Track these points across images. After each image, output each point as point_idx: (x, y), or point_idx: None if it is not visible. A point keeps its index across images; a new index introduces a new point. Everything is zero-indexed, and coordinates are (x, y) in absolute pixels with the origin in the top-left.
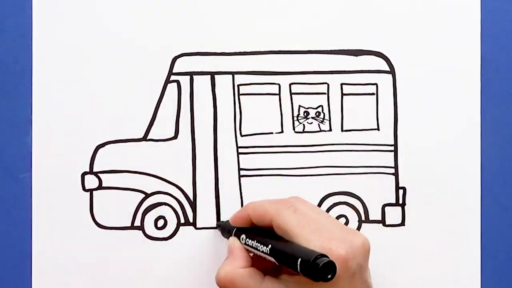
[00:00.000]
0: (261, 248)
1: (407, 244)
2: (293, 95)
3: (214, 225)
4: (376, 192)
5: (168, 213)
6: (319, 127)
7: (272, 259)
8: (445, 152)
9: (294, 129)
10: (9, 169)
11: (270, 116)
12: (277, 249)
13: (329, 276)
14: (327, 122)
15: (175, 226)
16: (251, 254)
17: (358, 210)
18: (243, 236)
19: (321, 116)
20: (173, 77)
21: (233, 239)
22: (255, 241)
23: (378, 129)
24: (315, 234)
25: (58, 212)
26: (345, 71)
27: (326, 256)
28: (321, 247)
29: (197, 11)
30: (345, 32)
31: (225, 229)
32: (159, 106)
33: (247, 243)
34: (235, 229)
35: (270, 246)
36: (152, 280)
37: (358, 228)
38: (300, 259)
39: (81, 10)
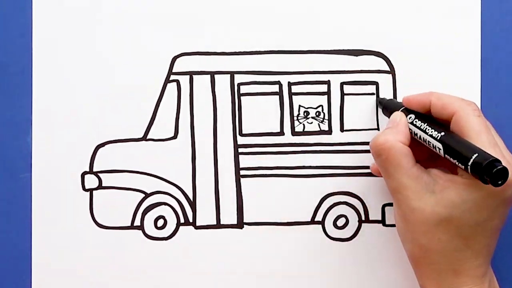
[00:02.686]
0: (431, 132)
1: None
2: (293, 95)
3: (214, 225)
4: (376, 192)
5: (168, 213)
6: (319, 127)
7: (439, 147)
8: None
9: (294, 129)
10: (9, 169)
11: (270, 116)
12: (451, 139)
13: (500, 182)
14: (327, 122)
15: (174, 226)
16: None
17: (358, 210)
18: (412, 116)
19: (321, 116)
20: (172, 77)
21: (400, 113)
22: (427, 124)
23: (378, 129)
24: (490, 146)
25: (58, 212)
26: (345, 71)
27: (501, 163)
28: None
29: (197, 11)
30: (345, 32)
31: (388, 106)
32: (159, 106)
33: (415, 123)
34: (403, 107)
35: (443, 133)
36: (152, 280)
37: (358, 228)
38: (476, 155)
39: (81, 10)
